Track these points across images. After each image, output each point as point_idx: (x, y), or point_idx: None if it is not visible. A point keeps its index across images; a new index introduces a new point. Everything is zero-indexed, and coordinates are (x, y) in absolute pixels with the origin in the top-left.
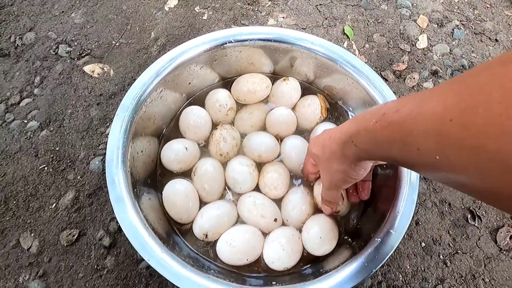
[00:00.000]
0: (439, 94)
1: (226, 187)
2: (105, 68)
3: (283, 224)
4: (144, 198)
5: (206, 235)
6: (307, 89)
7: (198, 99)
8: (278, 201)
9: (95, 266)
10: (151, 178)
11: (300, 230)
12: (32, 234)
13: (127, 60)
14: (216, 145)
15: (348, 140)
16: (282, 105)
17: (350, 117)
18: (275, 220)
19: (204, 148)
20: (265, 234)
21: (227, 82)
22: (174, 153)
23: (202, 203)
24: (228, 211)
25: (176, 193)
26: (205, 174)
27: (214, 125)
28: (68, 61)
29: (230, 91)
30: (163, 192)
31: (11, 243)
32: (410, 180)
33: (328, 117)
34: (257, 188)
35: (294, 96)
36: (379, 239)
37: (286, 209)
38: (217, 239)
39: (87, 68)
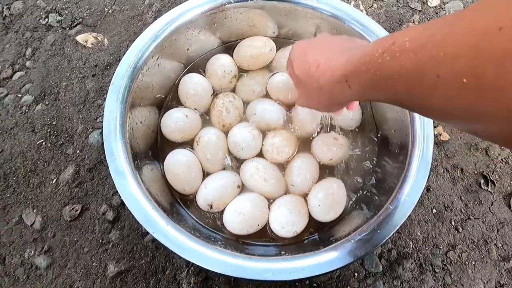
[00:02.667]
0: (484, 6)
1: (226, 153)
2: (98, 38)
3: (287, 191)
4: (145, 170)
5: (211, 205)
6: None
7: (197, 65)
8: (281, 168)
9: (100, 240)
10: (152, 150)
11: (305, 198)
12: (35, 210)
13: (121, 28)
14: (219, 116)
15: (342, 80)
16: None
17: None
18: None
19: (205, 117)
20: (268, 201)
21: (227, 48)
22: (174, 121)
23: (205, 174)
24: (232, 180)
25: (178, 164)
26: (208, 144)
27: (215, 93)
28: (60, 31)
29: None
30: (164, 163)
31: (14, 219)
32: (424, 141)
33: None
34: (260, 155)
35: None
36: (391, 206)
37: (291, 175)
38: (223, 210)
39: (79, 38)
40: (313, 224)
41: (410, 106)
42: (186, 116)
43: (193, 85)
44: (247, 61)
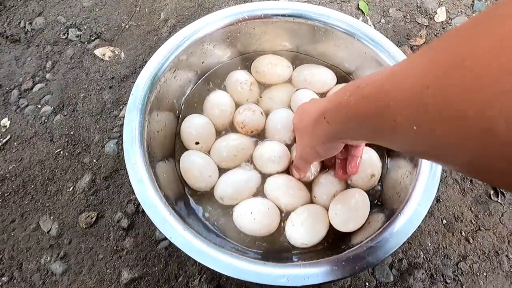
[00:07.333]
0: (415, 60)
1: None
2: (115, 51)
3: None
4: (162, 177)
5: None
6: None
7: (210, 76)
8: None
9: (115, 247)
10: (169, 159)
11: (327, 209)
12: (51, 217)
13: (137, 42)
14: (241, 128)
15: (320, 117)
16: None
17: None
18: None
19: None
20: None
21: (242, 59)
22: (193, 127)
23: (222, 170)
24: (252, 180)
25: (194, 163)
26: (225, 148)
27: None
28: (79, 45)
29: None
30: (180, 161)
31: (31, 226)
32: None
33: None
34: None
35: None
36: (403, 214)
37: (315, 190)
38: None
39: (97, 52)
40: (331, 232)
41: (382, 142)
42: (206, 122)
43: (216, 103)
44: (264, 77)
